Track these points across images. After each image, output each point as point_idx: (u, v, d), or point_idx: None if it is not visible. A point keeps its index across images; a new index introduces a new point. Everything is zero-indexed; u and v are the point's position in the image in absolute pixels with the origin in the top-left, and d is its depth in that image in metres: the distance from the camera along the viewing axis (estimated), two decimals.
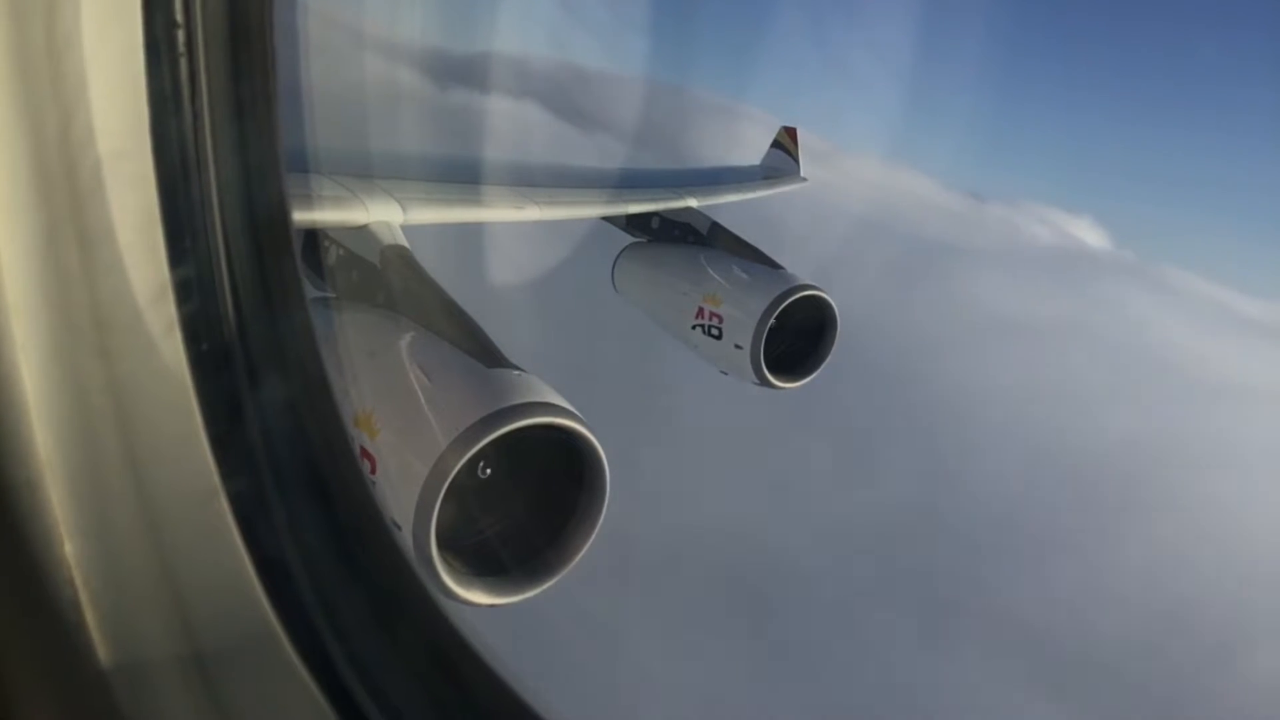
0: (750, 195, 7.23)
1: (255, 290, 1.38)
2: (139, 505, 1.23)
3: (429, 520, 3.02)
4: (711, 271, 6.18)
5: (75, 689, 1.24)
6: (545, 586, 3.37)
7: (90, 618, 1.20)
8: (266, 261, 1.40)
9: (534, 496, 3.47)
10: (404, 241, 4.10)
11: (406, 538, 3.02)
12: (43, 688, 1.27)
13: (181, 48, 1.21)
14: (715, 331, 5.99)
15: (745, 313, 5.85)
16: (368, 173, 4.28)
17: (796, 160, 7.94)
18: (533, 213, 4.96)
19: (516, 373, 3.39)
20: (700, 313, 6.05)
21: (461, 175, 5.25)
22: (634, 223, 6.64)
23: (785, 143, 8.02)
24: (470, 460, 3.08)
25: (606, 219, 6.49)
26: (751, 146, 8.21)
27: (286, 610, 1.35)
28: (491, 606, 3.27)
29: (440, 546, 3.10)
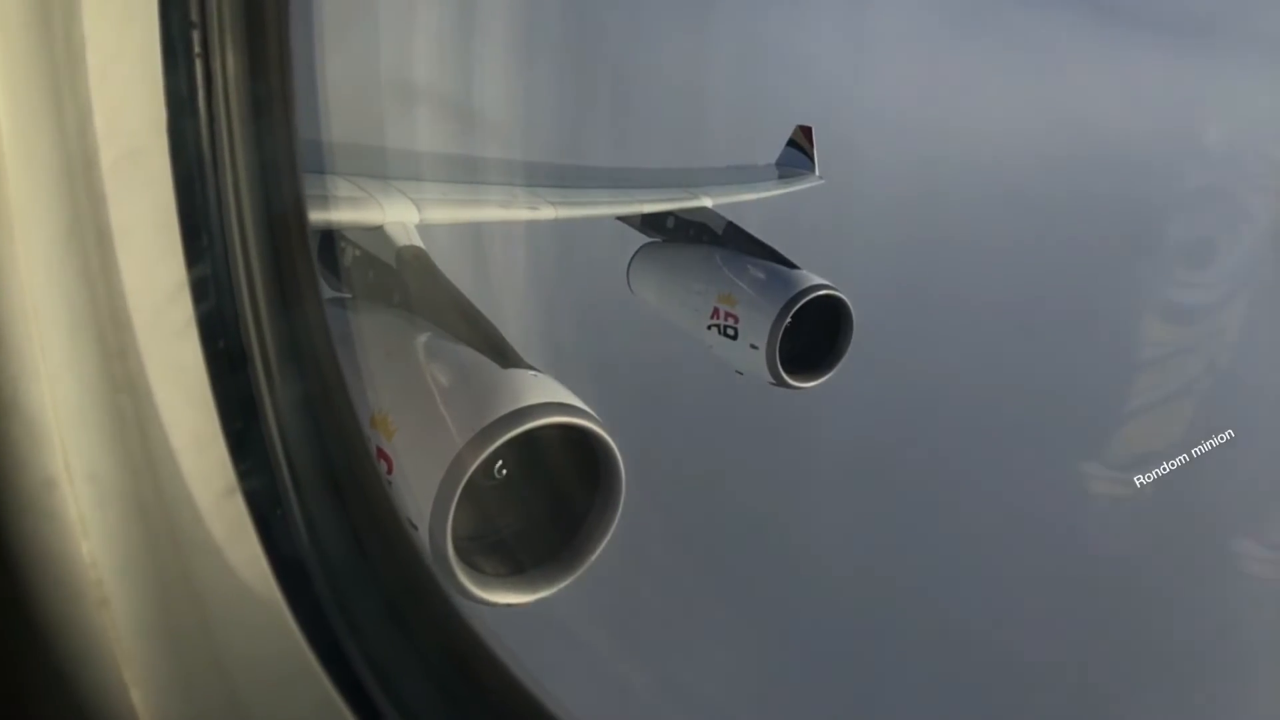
0: (765, 194, 7.22)
1: (272, 289, 1.38)
2: (156, 503, 1.24)
3: (445, 520, 3.03)
4: (727, 271, 6.19)
5: (94, 687, 1.24)
6: (561, 586, 3.38)
7: (108, 615, 1.21)
8: (283, 261, 1.41)
9: (549, 496, 3.47)
10: (419, 242, 4.12)
11: (423, 537, 3.03)
12: (63, 687, 1.27)
13: (198, 48, 1.22)
14: (731, 331, 5.98)
15: (760, 312, 5.85)
16: (383, 173, 4.30)
17: (812, 159, 7.92)
18: (548, 213, 4.97)
19: (532, 373, 3.39)
20: (716, 312, 6.05)
21: (477, 175, 5.27)
22: (649, 222, 6.64)
23: (800, 142, 8.00)
24: (486, 460, 3.09)
25: (621, 219, 6.49)
26: (766, 145, 8.19)
27: (303, 608, 1.35)
28: (507, 606, 3.28)
29: (456, 546, 3.11)
